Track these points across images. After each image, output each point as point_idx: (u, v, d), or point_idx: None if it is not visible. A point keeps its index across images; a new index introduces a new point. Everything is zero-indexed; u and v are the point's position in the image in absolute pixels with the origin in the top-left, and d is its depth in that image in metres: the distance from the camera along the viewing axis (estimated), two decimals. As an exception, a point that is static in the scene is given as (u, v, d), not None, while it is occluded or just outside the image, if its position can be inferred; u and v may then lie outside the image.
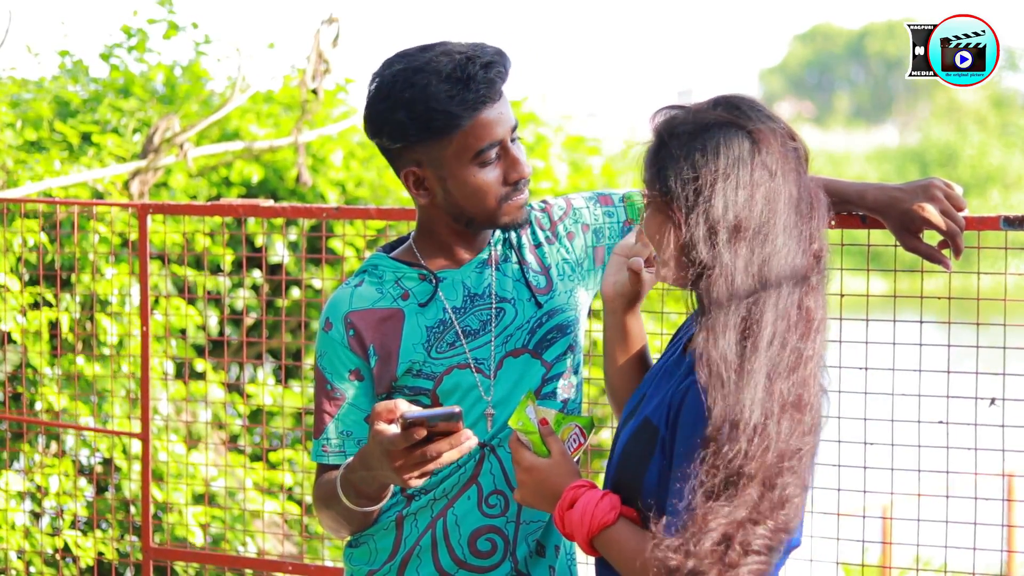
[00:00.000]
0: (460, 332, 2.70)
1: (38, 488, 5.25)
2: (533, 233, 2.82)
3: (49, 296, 5.41)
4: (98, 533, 5.29)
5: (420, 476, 2.43)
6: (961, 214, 2.76)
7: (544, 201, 2.88)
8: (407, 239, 2.81)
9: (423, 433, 2.37)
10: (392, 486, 2.59)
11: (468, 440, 2.39)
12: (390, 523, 2.72)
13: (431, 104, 2.56)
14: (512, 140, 2.65)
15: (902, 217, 2.75)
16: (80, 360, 5.44)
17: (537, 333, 2.72)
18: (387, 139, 2.65)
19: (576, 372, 2.80)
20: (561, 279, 2.79)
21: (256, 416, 6.18)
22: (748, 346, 2.27)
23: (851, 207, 2.82)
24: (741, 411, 2.24)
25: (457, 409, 2.35)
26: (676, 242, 2.35)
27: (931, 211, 2.72)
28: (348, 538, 2.78)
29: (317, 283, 6.38)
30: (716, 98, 2.43)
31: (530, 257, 2.79)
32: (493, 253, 2.77)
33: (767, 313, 2.29)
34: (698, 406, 2.29)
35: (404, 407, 2.42)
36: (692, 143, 2.35)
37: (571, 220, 2.85)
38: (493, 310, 2.72)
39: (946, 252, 2.79)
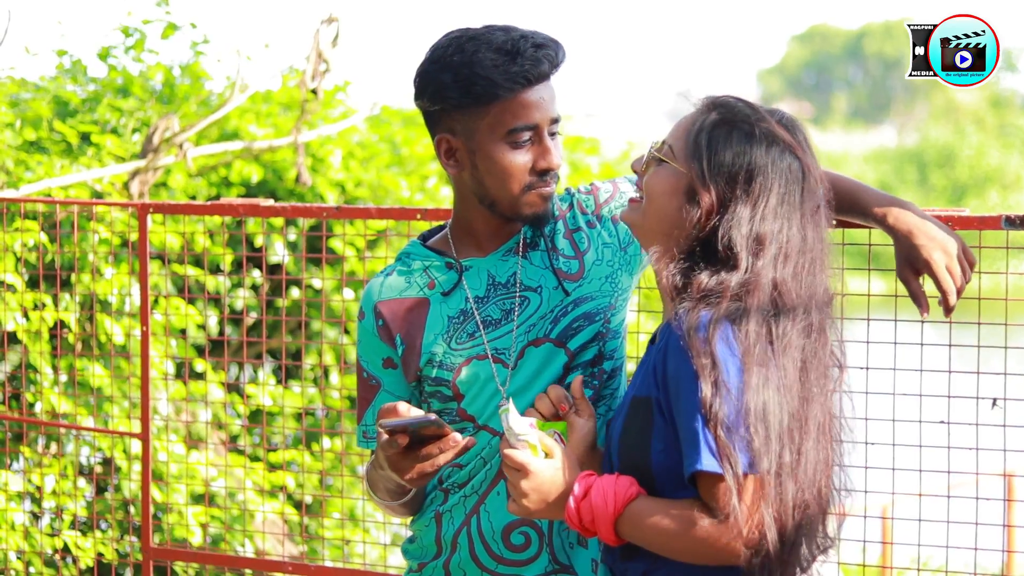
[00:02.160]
0: (480, 322, 2.70)
1: (37, 489, 5.24)
2: (573, 216, 2.80)
3: (49, 297, 5.40)
4: (97, 533, 5.29)
5: (419, 477, 2.50)
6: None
7: (592, 184, 2.87)
8: (446, 227, 2.83)
9: (405, 440, 2.45)
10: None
11: (457, 444, 2.47)
12: (431, 520, 2.75)
13: (475, 69, 2.58)
14: (552, 134, 2.65)
15: (910, 250, 2.74)
16: (82, 361, 5.43)
17: (561, 322, 2.70)
18: (428, 101, 2.66)
19: (610, 359, 2.76)
20: (598, 264, 2.76)
21: (256, 416, 6.17)
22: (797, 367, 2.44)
23: (867, 220, 2.81)
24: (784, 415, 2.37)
25: (433, 416, 2.42)
26: (694, 222, 2.41)
27: (937, 260, 2.71)
28: (409, 534, 2.84)
29: (317, 283, 6.38)
30: (778, 112, 2.49)
31: (563, 243, 2.77)
32: (522, 240, 2.75)
33: (794, 334, 2.43)
34: (680, 358, 2.34)
35: (403, 409, 2.47)
36: (753, 145, 2.42)
37: (616, 203, 2.83)
38: (517, 299, 2.71)
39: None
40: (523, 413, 2.62)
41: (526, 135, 2.62)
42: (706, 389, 2.32)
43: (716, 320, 2.35)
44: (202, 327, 6.02)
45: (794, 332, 2.42)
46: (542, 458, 2.48)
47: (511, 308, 2.71)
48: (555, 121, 2.65)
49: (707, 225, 2.41)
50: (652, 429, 2.43)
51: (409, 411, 2.47)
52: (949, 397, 3.50)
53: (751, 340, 2.36)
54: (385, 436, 2.48)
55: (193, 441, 5.70)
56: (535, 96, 2.60)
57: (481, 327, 2.70)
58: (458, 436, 2.47)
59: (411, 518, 2.83)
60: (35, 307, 5.35)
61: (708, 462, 2.32)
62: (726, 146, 2.41)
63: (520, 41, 2.59)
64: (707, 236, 2.41)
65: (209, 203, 4.33)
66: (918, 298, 2.76)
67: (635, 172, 2.55)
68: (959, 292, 2.72)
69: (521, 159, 2.63)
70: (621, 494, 2.42)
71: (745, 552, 2.34)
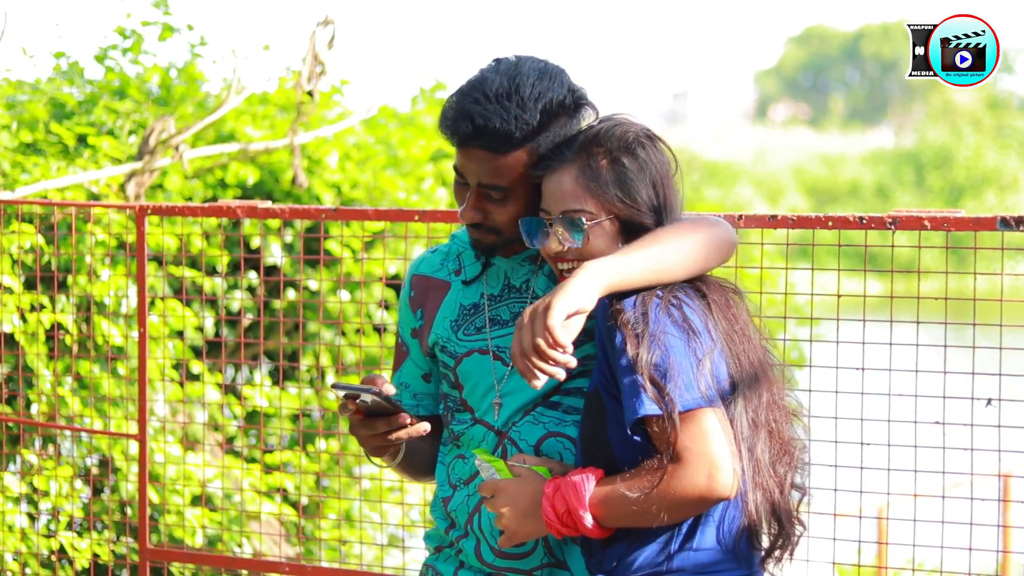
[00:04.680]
0: (488, 319, 2.77)
1: (34, 490, 5.24)
2: None
3: (46, 299, 5.40)
4: (93, 534, 5.29)
5: (375, 449, 2.67)
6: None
7: None
8: None
9: (354, 406, 2.58)
10: (403, 447, 2.76)
11: (412, 425, 2.61)
12: (443, 515, 2.82)
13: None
14: (485, 194, 2.66)
15: None
16: (79, 363, 5.43)
17: None
18: None
19: None
20: None
21: (252, 418, 6.17)
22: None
23: None
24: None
25: (375, 388, 2.53)
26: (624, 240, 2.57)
27: (515, 338, 2.49)
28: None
29: (313, 284, 6.38)
30: (615, 118, 2.66)
31: None
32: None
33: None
34: (610, 331, 2.48)
35: (379, 381, 2.59)
36: (645, 166, 2.59)
37: None
38: (528, 304, 2.75)
39: None
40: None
41: (460, 177, 2.69)
42: (632, 343, 2.43)
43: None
44: (199, 329, 6.02)
45: (715, 294, 2.57)
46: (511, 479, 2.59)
47: (520, 312, 2.76)
48: (486, 186, 2.65)
49: None
50: (606, 414, 2.51)
51: (384, 385, 2.58)
52: (944, 398, 3.50)
53: (682, 300, 2.50)
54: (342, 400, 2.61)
55: (189, 442, 5.69)
56: (461, 153, 2.66)
57: (488, 324, 2.77)
58: (406, 416, 2.59)
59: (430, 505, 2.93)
60: (32, 309, 5.35)
61: (649, 407, 2.41)
62: (631, 181, 2.57)
63: (458, 103, 2.63)
64: None
65: (207, 204, 4.32)
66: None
67: (555, 253, 2.60)
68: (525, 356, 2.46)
69: (459, 196, 2.72)
70: (588, 478, 2.48)
71: (720, 488, 2.40)
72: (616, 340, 2.46)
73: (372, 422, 2.62)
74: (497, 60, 2.68)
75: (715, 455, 2.39)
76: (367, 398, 2.54)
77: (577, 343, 2.71)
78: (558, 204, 2.57)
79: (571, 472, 2.53)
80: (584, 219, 2.55)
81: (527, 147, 2.61)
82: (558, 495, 2.49)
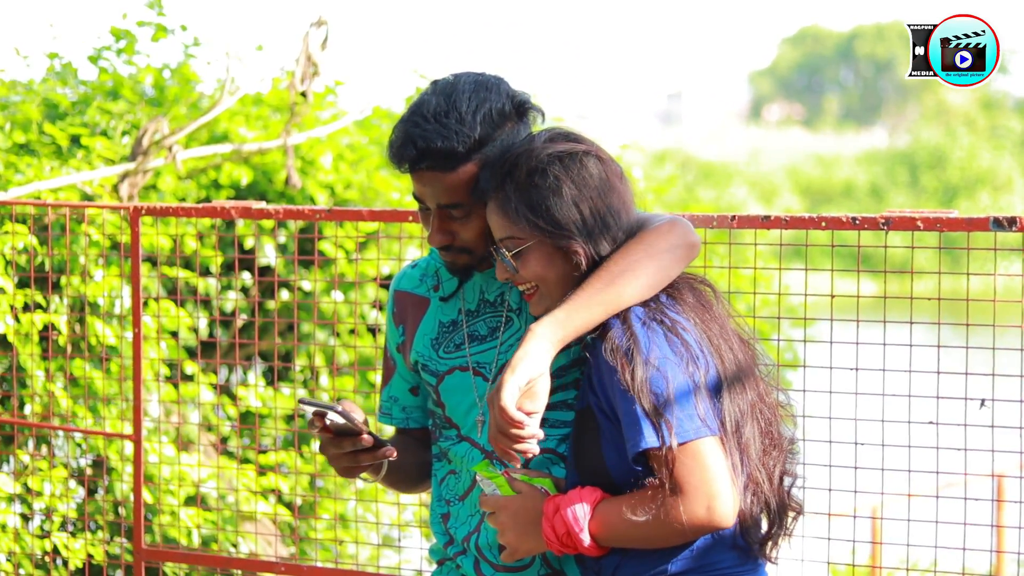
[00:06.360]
0: (467, 335, 2.77)
1: (28, 490, 5.23)
2: None
3: (40, 299, 5.39)
4: (87, 535, 5.28)
5: (344, 470, 2.67)
6: None
7: None
8: None
9: (322, 423, 2.58)
10: (384, 463, 2.74)
11: (367, 443, 2.60)
12: (442, 533, 2.83)
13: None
14: (447, 215, 2.67)
15: None
16: (72, 363, 5.42)
17: None
18: None
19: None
20: None
21: (246, 418, 6.16)
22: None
23: None
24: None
25: (339, 408, 2.54)
26: (584, 265, 2.54)
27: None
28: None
29: (307, 285, 6.37)
30: (550, 132, 2.62)
31: None
32: None
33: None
34: (602, 362, 2.47)
35: (348, 407, 2.60)
36: (562, 184, 2.53)
37: None
38: (503, 317, 2.76)
39: None
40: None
41: (421, 204, 2.70)
42: (628, 372, 2.42)
43: (626, 312, 2.48)
44: (193, 329, 6.01)
45: (689, 296, 2.57)
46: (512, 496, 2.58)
47: (497, 326, 2.77)
48: (446, 207, 2.67)
49: (594, 257, 2.54)
50: (600, 433, 2.51)
51: (352, 411, 2.59)
52: (938, 398, 3.50)
53: (674, 321, 2.49)
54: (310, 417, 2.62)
55: (183, 443, 5.69)
56: (416, 177, 2.67)
57: (467, 340, 2.77)
58: (368, 438, 2.60)
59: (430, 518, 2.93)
60: (25, 309, 5.34)
61: (649, 439, 2.41)
62: (544, 203, 2.53)
63: (401, 130, 2.64)
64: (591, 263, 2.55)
65: (202, 205, 4.32)
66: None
67: (504, 280, 2.63)
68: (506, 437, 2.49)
69: (424, 223, 2.73)
70: (588, 499, 2.47)
71: (719, 518, 2.40)
72: (612, 367, 2.46)
73: (340, 441, 2.62)
74: (434, 82, 2.69)
75: (714, 486, 2.40)
76: (335, 417, 2.55)
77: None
78: (495, 234, 2.60)
79: (570, 492, 2.52)
80: (508, 247, 2.57)
81: (475, 160, 2.62)
82: (558, 517, 2.49)
